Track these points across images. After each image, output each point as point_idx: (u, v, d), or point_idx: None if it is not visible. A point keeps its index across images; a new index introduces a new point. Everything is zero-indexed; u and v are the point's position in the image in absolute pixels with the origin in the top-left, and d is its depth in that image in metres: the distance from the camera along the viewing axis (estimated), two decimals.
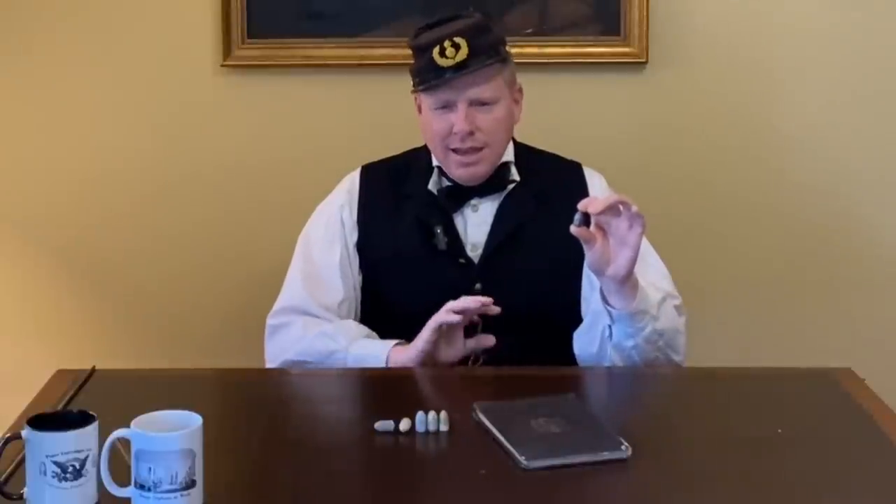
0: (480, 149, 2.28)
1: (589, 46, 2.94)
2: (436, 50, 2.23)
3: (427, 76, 2.26)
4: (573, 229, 2.03)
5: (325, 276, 2.33)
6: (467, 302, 2.15)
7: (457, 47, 2.23)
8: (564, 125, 2.92)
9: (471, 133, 2.25)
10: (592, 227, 2.06)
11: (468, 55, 2.23)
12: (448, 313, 2.14)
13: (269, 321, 2.33)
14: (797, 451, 1.80)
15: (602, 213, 2.03)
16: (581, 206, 2.04)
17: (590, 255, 2.07)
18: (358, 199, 2.38)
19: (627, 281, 2.08)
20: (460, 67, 2.23)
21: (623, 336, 2.14)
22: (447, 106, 2.27)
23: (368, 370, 2.18)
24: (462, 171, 2.30)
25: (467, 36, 2.23)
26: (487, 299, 2.16)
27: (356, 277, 2.36)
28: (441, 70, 2.24)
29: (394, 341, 2.21)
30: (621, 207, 2.04)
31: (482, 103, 2.26)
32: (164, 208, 3.02)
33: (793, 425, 1.90)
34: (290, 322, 2.30)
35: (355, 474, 1.77)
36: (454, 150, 2.28)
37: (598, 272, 2.09)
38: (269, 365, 2.31)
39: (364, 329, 2.28)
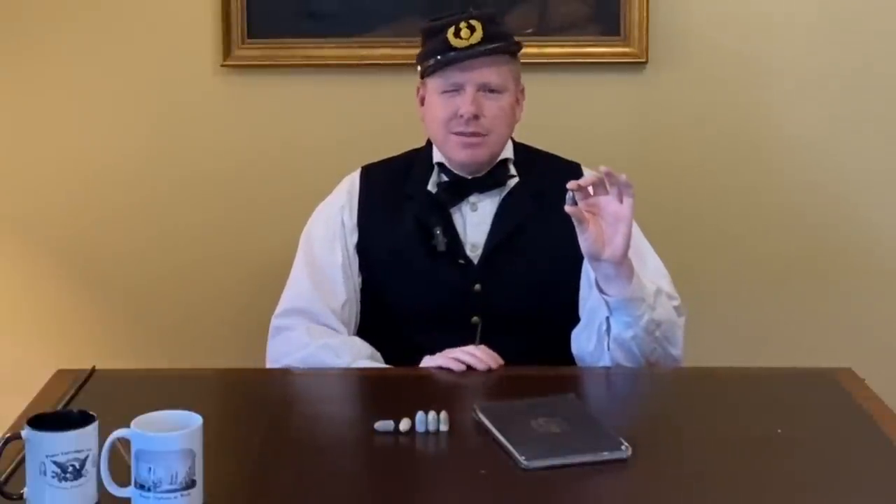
0: (483, 135, 2.28)
1: (589, 46, 2.94)
2: (451, 31, 2.25)
3: (438, 55, 2.27)
4: (567, 208, 2.04)
5: (328, 276, 2.34)
6: (475, 362, 2.14)
7: (472, 29, 2.25)
8: (564, 125, 2.92)
9: (475, 117, 2.26)
10: (585, 213, 2.07)
11: (482, 38, 2.25)
12: (453, 361, 2.14)
13: (275, 322, 2.33)
14: (797, 451, 1.80)
15: (588, 195, 2.05)
16: (571, 185, 2.05)
17: (584, 241, 2.08)
18: (358, 201, 2.38)
19: (624, 262, 2.09)
20: (474, 48, 2.24)
21: (622, 326, 2.14)
22: (455, 89, 2.27)
23: (369, 370, 2.18)
24: (463, 154, 2.30)
25: (483, 21, 2.26)
26: (492, 363, 2.15)
27: (356, 279, 2.36)
28: (455, 50, 2.25)
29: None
30: (607, 182, 2.05)
31: (490, 90, 2.27)
32: (164, 208, 3.02)
33: (793, 425, 1.90)
34: (294, 325, 2.29)
35: (355, 474, 1.77)
36: (456, 134, 2.28)
37: (595, 256, 2.09)
38: (269, 365, 2.31)
39: (369, 348, 2.27)
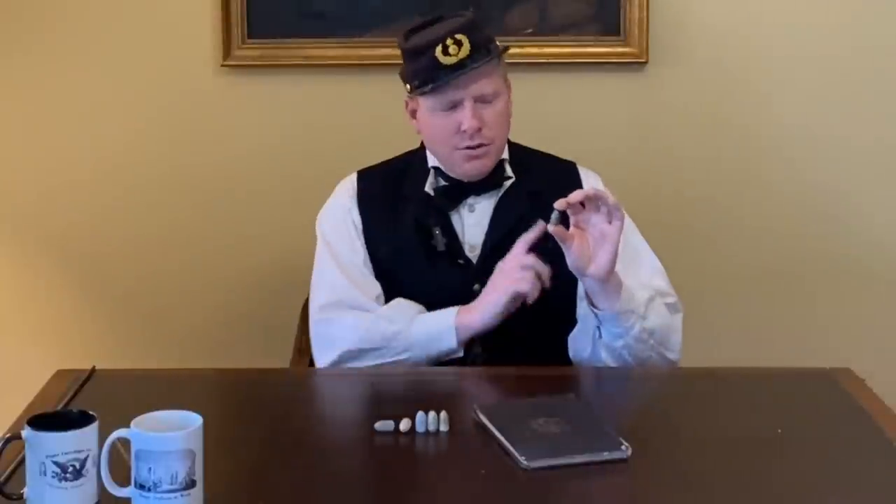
0: (487, 145, 2.28)
1: (589, 46, 2.94)
2: (438, 49, 2.22)
3: (431, 76, 2.24)
4: (550, 228, 2.04)
5: (359, 272, 2.30)
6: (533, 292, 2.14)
7: (459, 44, 2.22)
8: (564, 125, 2.92)
9: (479, 130, 2.25)
10: (571, 228, 2.07)
11: (471, 51, 2.22)
12: (529, 284, 2.13)
13: (317, 315, 2.28)
14: (797, 451, 1.81)
15: (580, 210, 2.04)
16: (558, 204, 2.04)
17: (569, 256, 2.08)
18: (357, 204, 2.37)
19: (610, 279, 2.09)
20: (465, 64, 2.22)
21: (611, 336, 2.14)
22: (453, 106, 2.26)
23: (368, 370, 2.18)
24: (470, 165, 2.28)
25: (466, 32, 2.23)
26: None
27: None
28: (446, 68, 2.22)
29: (454, 308, 2.19)
30: (598, 201, 2.05)
31: (486, 99, 2.26)
32: (165, 208, 3.02)
33: (793, 425, 1.90)
34: (341, 314, 2.24)
35: (355, 474, 1.77)
36: (461, 149, 2.27)
37: (580, 272, 2.09)
38: (320, 360, 2.25)
39: (417, 305, 2.24)
